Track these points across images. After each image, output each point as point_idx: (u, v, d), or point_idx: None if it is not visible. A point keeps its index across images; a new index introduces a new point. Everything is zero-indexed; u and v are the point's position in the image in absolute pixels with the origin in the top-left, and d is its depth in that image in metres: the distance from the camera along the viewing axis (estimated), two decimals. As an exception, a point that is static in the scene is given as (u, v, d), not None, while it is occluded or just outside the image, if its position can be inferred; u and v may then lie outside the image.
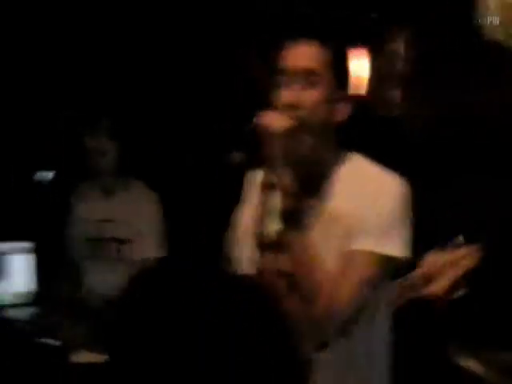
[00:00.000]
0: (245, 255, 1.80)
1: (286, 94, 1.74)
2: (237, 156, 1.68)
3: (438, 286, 2.33)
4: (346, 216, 1.73)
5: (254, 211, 1.78)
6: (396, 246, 1.72)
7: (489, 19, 2.76)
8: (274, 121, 1.69)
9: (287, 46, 1.77)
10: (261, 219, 1.68)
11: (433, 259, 2.34)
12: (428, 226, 1.92)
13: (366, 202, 1.72)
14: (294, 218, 1.68)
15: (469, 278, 2.34)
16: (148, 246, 3.10)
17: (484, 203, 3.12)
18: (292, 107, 1.72)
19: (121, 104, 3.37)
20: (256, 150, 1.68)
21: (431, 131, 3.39)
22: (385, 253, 1.71)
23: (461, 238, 2.37)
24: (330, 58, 1.75)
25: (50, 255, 3.32)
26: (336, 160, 1.80)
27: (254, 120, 1.70)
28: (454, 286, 2.34)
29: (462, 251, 2.32)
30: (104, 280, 3.07)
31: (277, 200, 1.71)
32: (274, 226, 1.75)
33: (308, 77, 1.73)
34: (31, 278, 3.26)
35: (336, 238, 1.75)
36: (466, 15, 2.96)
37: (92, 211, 3.16)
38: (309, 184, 1.79)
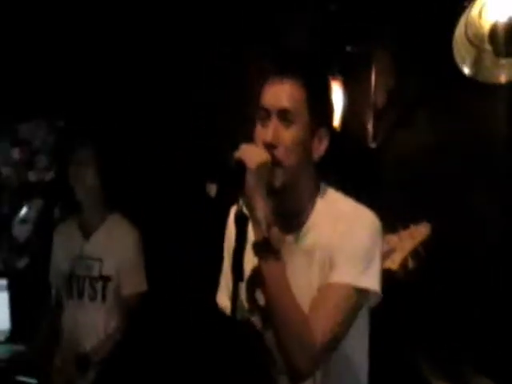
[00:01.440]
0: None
1: (263, 133, 1.78)
2: (213, 188, 1.69)
3: (395, 258, 2.47)
4: (324, 249, 1.76)
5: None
6: (372, 280, 1.75)
7: (458, 54, 2.82)
8: (251, 154, 1.71)
9: (267, 83, 1.80)
10: (237, 253, 1.68)
11: (388, 238, 2.50)
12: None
13: (342, 235, 1.75)
14: (267, 249, 1.69)
15: (422, 251, 2.49)
16: (128, 283, 3.09)
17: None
18: (268, 146, 1.75)
19: (102, 132, 3.37)
20: (233, 182, 1.70)
21: (406, 161, 3.44)
22: (362, 286, 1.73)
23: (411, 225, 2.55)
24: (305, 96, 1.77)
25: (24, 292, 3.30)
26: (314, 194, 1.82)
27: (233, 153, 1.72)
28: (408, 257, 2.49)
29: (413, 228, 2.49)
30: (84, 319, 3.07)
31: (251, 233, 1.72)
32: (251, 261, 1.76)
33: (283, 116, 1.76)
34: (5, 315, 3.22)
35: (313, 272, 1.77)
36: (440, 48, 3.03)
37: (71, 249, 3.17)
38: (286, 218, 1.81)
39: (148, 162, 3.79)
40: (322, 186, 1.86)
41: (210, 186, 1.69)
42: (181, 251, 3.59)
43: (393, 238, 2.56)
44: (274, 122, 1.76)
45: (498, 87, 2.94)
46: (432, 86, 3.38)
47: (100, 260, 3.11)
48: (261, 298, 1.80)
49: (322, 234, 1.78)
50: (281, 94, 1.76)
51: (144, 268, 3.16)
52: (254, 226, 1.71)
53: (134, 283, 3.12)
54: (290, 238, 1.82)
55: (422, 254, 2.53)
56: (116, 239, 3.13)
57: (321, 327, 1.68)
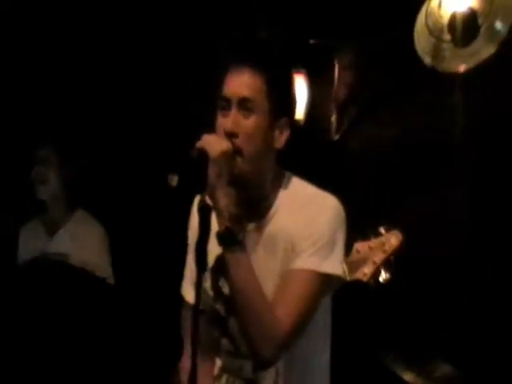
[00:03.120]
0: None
1: (224, 122, 1.78)
2: (175, 178, 1.68)
3: (365, 271, 2.47)
4: (286, 236, 1.76)
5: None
6: (334, 265, 1.76)
7: (419, 44, 2.85)
8: (212, 144, 1.70)
9: (228, 73, 1.79)
10: (200, 244, 1.67)
11: (359, 247, 2.50)
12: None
13: (304, 222, 1.76)
14: (230, 238, 1.69)
15: (393, 261, 2.50)
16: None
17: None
18: (229, 135, 1.75)
19: (62, 130, 3.33)
20: (195, 172, 1.69)
21: (369, 154, 3.47)
22: (325, 271, 1.74)
23: (381, 227, 2.52)
24: (265, 85, 1.77)
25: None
26: (276, 182, 1.83)
27: (195, 143, 1.72)
28: (379, 269, 2.49)
29: (385, 237, 2.49)
30: None
31: (215, 223, 1.71)
32: (215, 250, 1.76)
33: (243, 105, 1.76)
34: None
35: (277, 259, 1.77)
36: (403, 41, 3.05)
37: (36, 247, 3.15)
38: (250, 208, 1.82)
39: (108, 157, 3.76)
40: (286, 174, 1.87)
41: (172, 176, 1.68)
42: (145, 244, 3.58)
43: (363, 247, 2.54)
44: (234, 111, 1.76)
45: (456, 79, 2.98)
46: (394, 79, 3.41)
47: (65, 256, 3.08)
48: (225, 286, 1.81)
49: (284, 222, 1.78)
50: (241, 83, 1.76)
51: (110, 263, 3.14)
52: (216, 215, 1.71)
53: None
54: (252, 225, 1.82)
55: (393, 263, 2.53)
56: (81, 235, 3.12)
57: (284, 314, 1.69)
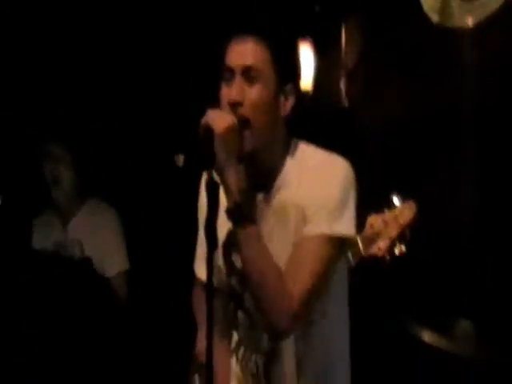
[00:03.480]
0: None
1: (228, 92, 1.75)
2: (182, 158, 1.67)
3: (381, 245, 2.45)
4: (296, 204, 1.74)
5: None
6: (345, 226, 1.74)
7: (425, 2, 2.80)
8: (217, 119, 1.68)
9: (230, 44, 1.77)
10: (209, 221, 1.66)
11: (373, 221, 2.48)
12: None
13: (313, 188, 1.74)
14: (240, 215, 1.68)
15: (408, 233, 2.47)
16: (111, 264, 3.08)
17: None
18: (234, 105, 1.72)
19: (72, 126, 3.32)
20: (202, 149, 1.67)
21: (380, 121, 3.43)
22: (336, 233, 1.72)
23: (395, 198, 2.49)
24: (269, 53, 1.74)
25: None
26: (284, 152, 1.81)
27: (200, 120, 1.69)
28: (394, 242, 2.47)
29: (398, 210, 2.46)
30: None
31: (223, 199, 1.70)
32: (226, 226, 1.74)
33: (247, 74, 1.73)
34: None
35: (289, 228, 1.76)
36: (411, 4, 3.00)
37: (51, 237, 3.19)
38: (258, 179, 1.80)
39: (115, 143, 3.75)
40: (293, 141, 1.84)
41: (178, 156, 1.66)
42: (157, 227, 3.58)
43: (377, 221, 2.51)
44: (238, 80, 1.73)
45: (463, 38, 2.92)
46: (402, 41, 3.35)
47: (80, 243, 3.10)
48: (237, 261, 1.80)
49: (293, 190, 1.76)
50: (244, 51, 1.74)
51: (125, 247, 3.15)
52: (225, 192, 1.69)
53: (116, 263, 3.12)
54: (261, 197, 1.80)
55: (408, 237, 2.50)
56: (95, 222, 3.16)
57: (297, 283, 1.68)
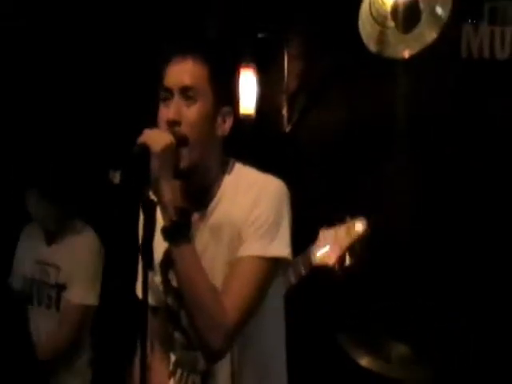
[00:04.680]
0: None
1: (166, 112, 1.75)
2: (117, 175, 1.66)
3: (331, 255, 2.50)
4: (231, 223, 1.75)
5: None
6: (280, 247, 1.75)
7: (364, 32, 2.88)
8: (154, 138, 1.68)
9: (168, 63, 1.78)
10: (145, 240, 1.65)
11: (325, 233, 2.54)
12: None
13: (247, 207, 1.75)
14: (175, 233, 1.67)
15: (358, 248, 2.54)
16: (78, 292, 3.01)
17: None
18: (171, 124, 1.73)
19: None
20: (138, 167, 1.67)
21: (319, 142, 3.49)
22: (271, 255, 1.73)
23: (347, 217, 2.57)
24: (207, 73, 1.76)
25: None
26: (221, 171, 1.82)
27: (137, 139, 1.69)
28: (345, 253, 2.53)
29: (350, 223, 2.53)
30: (43, 326, 2.99)
31: (159, 217, 1.69)
32: (163, 244, 1.74)
33: (185, 93, 1.74)
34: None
35: (223, 246, 1.76)
36: (348, 28, 3.08)
37: (33, 253, 3.12)
38: (194, 197, 1.80)
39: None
40: (230, 160, 1.85)
41: (114, 173, 1.65)
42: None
43: (329, 233, 2.58)
44: (176, 100, 1.74)
45: (398, 66, 3.03)
46: (340, 66, 3.43)
47: (57, 267, 3.04)
48: (174, 279, 1.79)
49: (228, 209, 1.77)
50: (182, 71, 1.75)
51: (100, 276, 3.07)
52: (161, 210, 1.68)
53: (82, 294, 3.04)
54: (197, 215, 1.80)
55: (358, 251, 2.56)
56: (74, 249, 3.06)
57: (233, 303, 1.68)
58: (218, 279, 1.72)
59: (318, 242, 2.61)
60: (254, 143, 3.47)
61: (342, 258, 2.57)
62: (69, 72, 3.80)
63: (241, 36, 3.66)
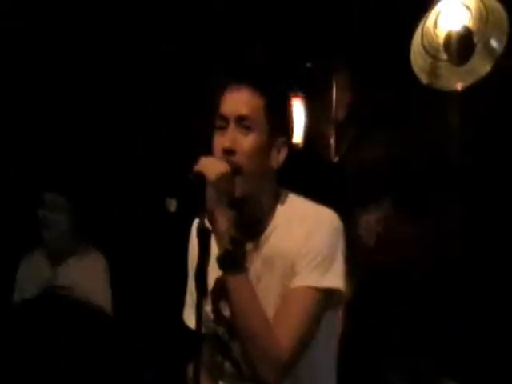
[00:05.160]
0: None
1: (221, 140, 1.76)
2: (174, 203, 1.67)
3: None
4: (284, 254, 1.74)
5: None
6: (333, 279, 1.73)
7: (415, 63, 2.86)
8: (210, 166, 1.69)
9: (224, 92, 1.79)
10: (200, 268, 1.65)
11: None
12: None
13: (301, 239, 1.74)
14: (231, 262, 1.68)
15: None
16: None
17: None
18: (227, 153, 1.74)
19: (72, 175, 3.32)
20: (194, 196, 1.68)
21: (368, 174, 3.48)
22: (325, 286, 1.72)
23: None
24: (263, 103, 1.76)
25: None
26: (274, 201, 1.82)
27: (193, 166, 1.71)
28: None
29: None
30: None
31: (214, 246, 1.70)
32: (215, 273, 1.74)
33: (241, 123, 1.75)
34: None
35: (276, 279, 1.75)
36: (400, 60, 3.07)
37: (39, 279, 3.13)
38: (248, 227, 1.80)
39: (110, 189, 3.75)
40: (284, 191, 1.85)
41: (170, 201, 1.67)
42: (147, 271, 3.56)
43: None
44: (232, 129, 1.75)
45: (450, 98, 3.00)
46: (392, 98, 3.42)
47: (71, 289, 3.07)
48: (226, 309, 1.78)
49: (282, 240, 1.77)
50: (239, 101, 1.75)
51: (111, 295, 3.12)
52: (216, 239, 1.69)
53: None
54: (250, 245, 1.80)
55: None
56: (85, 268, 3.10)
57: (286, 335, 1.66)
58: (270, 311, 1.71)
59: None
60: (301, 173, 3.47)
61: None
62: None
63: (289, 65, 3.68)
